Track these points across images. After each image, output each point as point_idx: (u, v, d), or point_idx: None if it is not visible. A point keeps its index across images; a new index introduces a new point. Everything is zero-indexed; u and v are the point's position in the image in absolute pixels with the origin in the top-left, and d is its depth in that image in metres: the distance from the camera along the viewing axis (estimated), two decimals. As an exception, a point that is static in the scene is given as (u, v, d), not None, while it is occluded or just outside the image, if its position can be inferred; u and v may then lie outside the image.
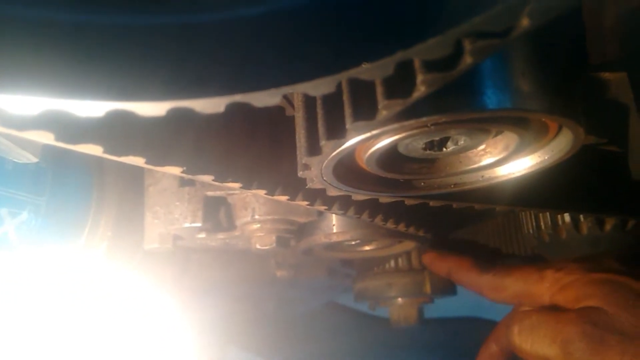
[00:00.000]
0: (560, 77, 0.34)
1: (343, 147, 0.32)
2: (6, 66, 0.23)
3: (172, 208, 0.56)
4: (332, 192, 0.41)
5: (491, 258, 0.66)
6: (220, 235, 0.59)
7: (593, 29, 0.38)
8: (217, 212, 0.58)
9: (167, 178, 0.57)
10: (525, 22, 0.23)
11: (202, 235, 0.58)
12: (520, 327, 0.50)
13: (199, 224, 0.56)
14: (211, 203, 0.56)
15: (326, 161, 0.34)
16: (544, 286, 0.52)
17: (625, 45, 0.39)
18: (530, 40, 0.32)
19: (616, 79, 0.40)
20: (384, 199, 0.44)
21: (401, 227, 0.55)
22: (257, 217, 0.55)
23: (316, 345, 0.96)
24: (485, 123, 0.34)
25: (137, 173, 0.59)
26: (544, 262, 0.54)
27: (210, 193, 0.56)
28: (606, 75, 0.40)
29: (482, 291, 0.58)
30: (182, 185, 0.56)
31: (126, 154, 0.32)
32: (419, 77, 0.26)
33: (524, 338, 0.50)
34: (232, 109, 0.25)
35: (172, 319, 0.69)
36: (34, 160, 0.46)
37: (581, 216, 0.58)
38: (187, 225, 0.56)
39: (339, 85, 0.25)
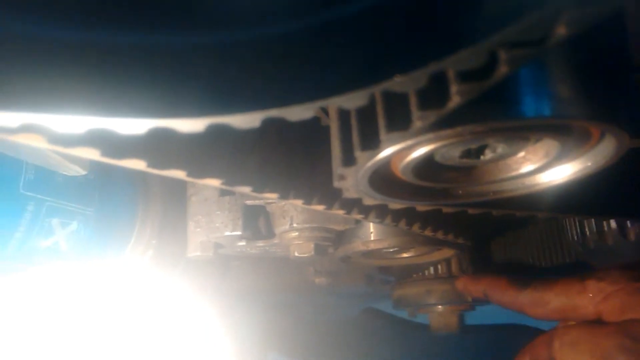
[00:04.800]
0: (601, 81, 0.33)
1: (378, 157, 0.32)
2: (52, 87, 0.24)
3: (213, 217, 0.57)
4: (369, 202, 0.41)
5: (528, 274, 0.64)
6: (260, 243, 0.59)
7: (636, 30, 0.37)
8: (257, 221, 0.59)
9: (208, 188, 0.58)
10: (562, 30, 0.22)
11: (242, 243, 0.59)
12: (561, 343, 0.50)
13: (239, 232, 0.57)
14: (250, 212, 0.57)
15: (361, 171, 0.34)
16: (587, 297, 0.50)
17: (671, 45, 0.37)
18: (569, 45, 0.32)
19: (662, 80, 0.39)
20: (421, 207, 0.44)
21: (439, 235, 0.55)
22: (295, 225, 0.56)
23: (355, 351, 0.96)
24: (524, 131, 0.34)
25: (179, 184, 0.61)
26: (585, 272, 0.53)
27: (249, 202, 0.57)
28: (651, 77, 0.39)
29: (522, 309, 0.57)
30: (223, 195, 0.57)
31: (168, 167, 0.34)
32: (453, 88, 0.26)
33: (565, 354, 0.49)
34: (267, 123, 0.26)
35: (213, 325, 0.70)
36: (83, 173, 0.49)
37: (628, 222, 0.56)
38: (227, 233, 0.57)
39: (373, 97, 0.26)
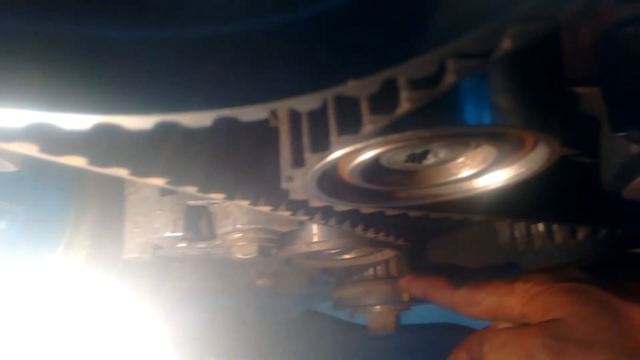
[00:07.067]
0: (537, 93, 0.35)
1: (327, 159, 0.33)
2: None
3: (153, 217, 0.55)
4: (315, 203, 0.41)
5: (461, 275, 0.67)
6: (201, 245, 0.58)
7: (569, 46, 0.40)
8: (198, 221, 0.57)
9: (148, 187, 0.56)
10: (507, 43, 0.24)
11: (183, 244, 0.57)
12: (490, 347, 0.52)
13: (180, 234, 0.55)
14: (192, 212, 0.56)
15: (310, 173, 0.35)
16: (515, 298, 0.53)
17: (599, 61, 0.40)
18: (509, 58, 0.33)
19: (590, 93, 0.42)
20: (366, 209, 0.44)
21: (381, 236, 0.56)
22: (238, 226, 0.55)
23: (295, 352, 0.96)
24: (465, 137, 0.35)
25: (117, 181, 0.59)
26: (515, 274, 0.56)
27: (191, 202, 0.55)
28: (581, 89, 0.42)
29: (456, 307, 0.59)
30: (164, 194, 0.56)
31: (110, 165, 0.32)
32: (403, 94, 0.26)
33: (494, 356, 0.51)
34: (219, 123, 0.26)
35: (151, 329, 0.68)
36: (14, 169, 0.46)
37: (555, 225, 0.59)
38: (168, 234, 0.55)
39: (325, 100, 0.26)
